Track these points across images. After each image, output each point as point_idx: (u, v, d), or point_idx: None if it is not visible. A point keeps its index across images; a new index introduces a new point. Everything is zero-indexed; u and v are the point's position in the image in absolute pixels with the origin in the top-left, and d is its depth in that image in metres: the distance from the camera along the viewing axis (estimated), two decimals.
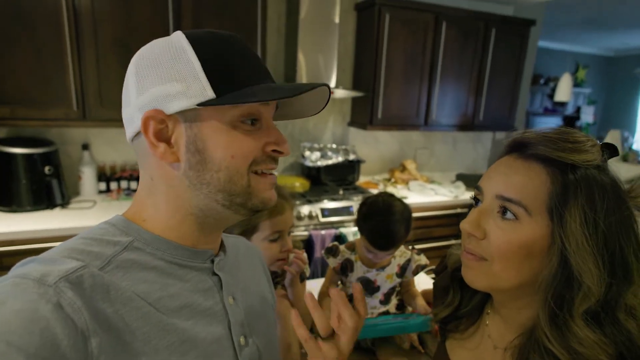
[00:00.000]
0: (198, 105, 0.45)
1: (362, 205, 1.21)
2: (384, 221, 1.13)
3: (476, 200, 0.58)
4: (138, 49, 0.50)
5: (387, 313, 1.27)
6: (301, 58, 2.33)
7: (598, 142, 0.52)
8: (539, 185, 0.51)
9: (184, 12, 1.97)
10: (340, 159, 2.64)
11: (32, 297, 0.36)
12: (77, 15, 1.80)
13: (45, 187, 1.92)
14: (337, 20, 2.35)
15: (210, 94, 0.46)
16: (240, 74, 0.48)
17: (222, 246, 0.58)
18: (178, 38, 0.48)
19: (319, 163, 2.58)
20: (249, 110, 0.48)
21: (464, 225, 0.55)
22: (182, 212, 0.50)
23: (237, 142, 0.48)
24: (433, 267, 0.87)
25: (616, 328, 0.47)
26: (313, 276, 2.15)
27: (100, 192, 2.21)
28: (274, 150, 0.50)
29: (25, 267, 0.40)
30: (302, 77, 2.35)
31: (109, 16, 1.86)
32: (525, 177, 0.52)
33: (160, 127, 0.47)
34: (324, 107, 0.55)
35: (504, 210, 0.52)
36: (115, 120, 1.97)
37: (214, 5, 2.03)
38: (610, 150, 0.52)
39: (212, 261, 0.54)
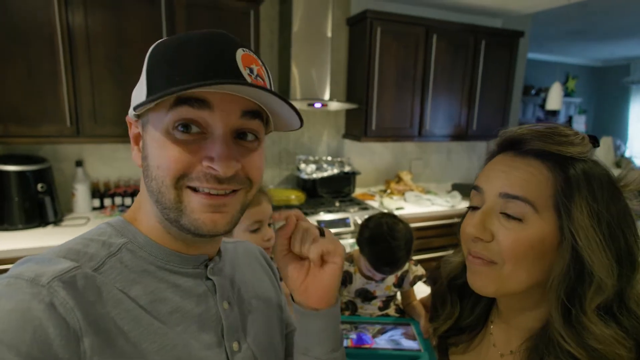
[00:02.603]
0: (134, 109, 0.45)
1: (365, 228, 1.16)
2: (388, 248, 1.09)
3: (473, 207, 0.56)
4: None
5: (386, 315, 1.26)
6: (295, 72, 2.35)
7: (585, 134, 0.53)
8: (542, 181, 0.50)
9: (177, 28, 1.99)
10: (335, 171, 2.64)
11: (25, 296, 0.37)
12: (71, 32, 1.82)
13: (38, 204, 1.90)
14: (329, 34, 2.39)
15: (144, 96, 0.44)
16: (176, 73, 0.42)
17: (218, 250, 0.57)
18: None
19: (315, 175, 2.58)
20: (181, 114, 0.43)
21: (469, 229, 0.52)
22: (157, 217, 0.48)
23: (163, 151, 0.43)
24: None
25: (630, 318, 0.47)
26: None
27: (94, 208, 2.19)
28: (209, 167, 0.43)
29: (20, 267, 0.40)
30: (296, 91, 2.37)
31: (103, 33, 1.87)
32: (527, 173, 0.51)
33: (136, 131, 0.49)
34: (297, 114, 0.48)
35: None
36: (110, 136, 1.96)
37: (207, 20, 2.05)
38: (593, 142, 0.53)
39: (207, 266, 0.53)
